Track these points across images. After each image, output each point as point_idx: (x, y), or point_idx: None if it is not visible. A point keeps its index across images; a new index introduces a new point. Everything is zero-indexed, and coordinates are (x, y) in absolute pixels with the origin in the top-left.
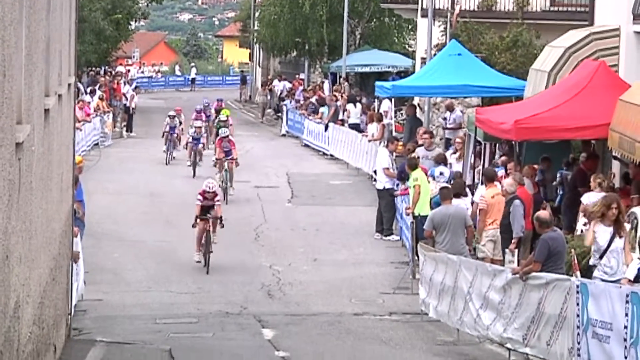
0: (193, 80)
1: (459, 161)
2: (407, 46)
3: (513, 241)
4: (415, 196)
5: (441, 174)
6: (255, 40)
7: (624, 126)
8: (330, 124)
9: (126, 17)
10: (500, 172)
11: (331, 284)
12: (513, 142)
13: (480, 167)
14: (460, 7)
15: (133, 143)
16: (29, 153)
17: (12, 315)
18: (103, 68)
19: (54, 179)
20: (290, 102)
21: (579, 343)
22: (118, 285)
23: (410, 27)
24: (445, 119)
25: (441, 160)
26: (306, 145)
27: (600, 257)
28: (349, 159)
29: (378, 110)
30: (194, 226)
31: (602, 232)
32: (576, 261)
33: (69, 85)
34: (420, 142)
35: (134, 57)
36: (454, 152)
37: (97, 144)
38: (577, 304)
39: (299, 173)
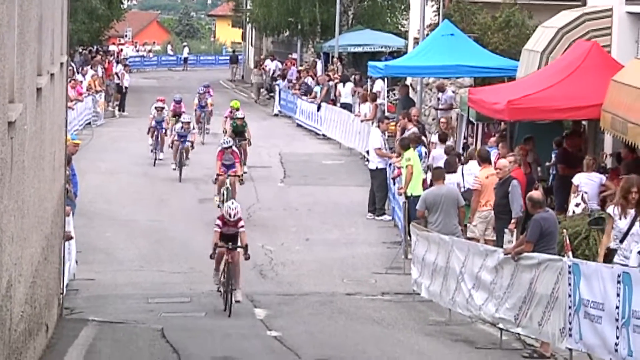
0: (185, 59)
1: (447, 142)
2: (399, 26)
3: (513, 221)
4: (407, 176)
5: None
6: (247, 19)
7: (616, 107)
8: (323, 104)
9: None
10: (493, 152)
11: (323, 263)
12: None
13: (473, 147)
14: None
15: (125, 122)
16: (22, 132)
17: (4, 295)
18: (96, 47)
19: (46, 158)
20: (283, 82)
21: (570, 323)
22: (110, 264)
23: (402, 7)
24: (438, 99)
25: (417, 141)
26: (299, 125)
27: (621, 241)
28: (341, 139)
29: (371, 90)
30: (211, 257)
31: (627, 217)
32: (568, 241)
33: (61, 64)
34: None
35: (126, 36)
36: (436, 133)
37: (89, 123)
38: (569, 284)
39: (291, 153)
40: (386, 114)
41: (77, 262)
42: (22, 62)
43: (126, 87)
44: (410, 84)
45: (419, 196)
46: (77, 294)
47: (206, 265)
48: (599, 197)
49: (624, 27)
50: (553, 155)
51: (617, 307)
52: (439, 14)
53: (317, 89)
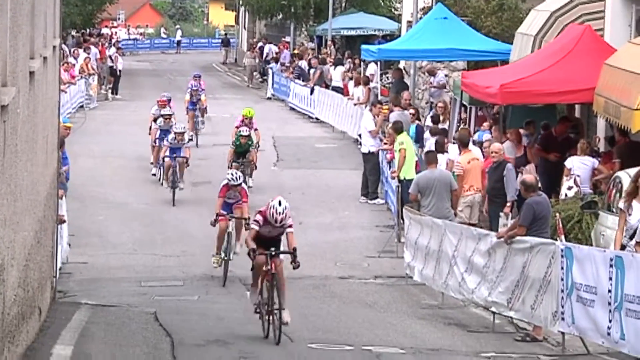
0: (179, 42)
1: (443, 123)
2: (393, 9)
3: (507, 204)
4: (400, 160)
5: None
6: (241, 2)
7: (609, 90)
8: (316, 87)
9: None
10: (486, 136)
11: (316, 247)
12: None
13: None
14: None
15: (118, 105)
16: (14, 115)
17: None
18: (88, 30)
19: (39, 142)
20: (276, 65)
21: (563, 307)
22: (103, 248)
23: None
24: (430, 83)
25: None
26: (292, 109)
27: (631, 238)
28: (334, 122)
29: (364, 73)
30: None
31: (637, 210)
32: (561, 225)
33: (54, 47)
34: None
35: (118, 19)
36: (434, 116)
37: (82, 106)
38: (562, 268)
39: (284, 136)
40: (379, 97)
41: (69, 245)
42: (14, 46)
43: (120, 70)
44: (404, 68)
45: (411, 180)
46: (70, 278)
47: (199, 248)
48: (592, 181)
49: (617, 10)
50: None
51: (610, 291)
52: None
53: (312, 71)
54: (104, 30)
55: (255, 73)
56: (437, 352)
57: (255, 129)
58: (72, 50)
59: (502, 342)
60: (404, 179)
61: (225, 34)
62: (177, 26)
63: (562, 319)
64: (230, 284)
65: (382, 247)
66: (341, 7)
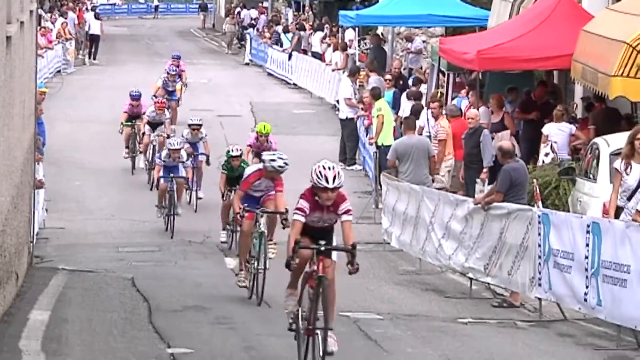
0: (156, 7)
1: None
2: None
3: (484, 170)
4: (378, 126)
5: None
6: None
7: (586, 57)
8: (294, 53)
9: None
10: (464, 102)
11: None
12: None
13: (445, 98)
14: None
15: (95, 70)
16: None
17: None
18: None
19: (16, 107)
20: (254, 30)
21: (540, 273)
22: (80, 213)
23: None
24: (408, 49)
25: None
26: (269, 75)
27: (629, 199)
28: (312, 88)
29: (342, 39)
30: (289, 267)
31: (636, 171)
32: (538, 191)
33: (31, 12)
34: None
35: None
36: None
37: (59, 71)
38: (539, 234)
39: (262, 102)
40: (358, 63)
41: (46, 210)
42: None
43: (97, 35)
44: (382, 34)
45: (389, 146)
46: (47, 243)
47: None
48: (569, 147)
49: None
50: None
51: (587, 257)
52: None
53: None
54: None
55: (234, 39)
56: (415, 318)
57: (273, 143)
58: (49, 15)
59: (479, 308)
60: (382, 145)
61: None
62: None
63: (539, 285)
64: (207, 249)
65: (360, 213)
66: None
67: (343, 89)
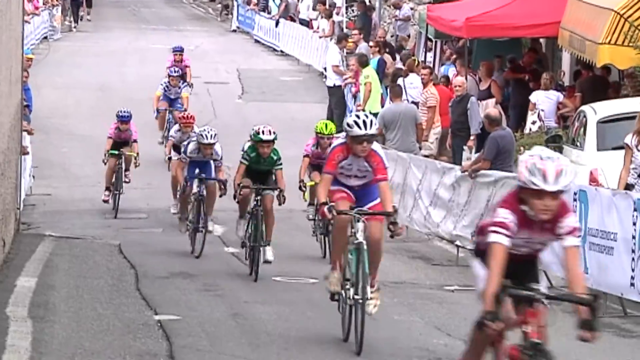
0: None
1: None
2: None
3: (471, 138)
4: (366, 93)
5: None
6: None
7: (574, 24)
8: (281, 20)
9: None
10: (451, 69)
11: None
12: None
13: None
14: None
15: (82, 37)
16: None
17: None
18: None
19: (3, 73)
20: None
21: None
22: (67, 180)
23: None
24: (396, 16)
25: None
26: (257, 41)
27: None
28: (299, 55)
29: (329, 5)
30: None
31: None
32: None
33: None
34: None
35: None
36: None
37: (46, 38)
38: None
39: (249, 69)
40: (345, 30)
41: (33, 177)
42: None
43: (84, 1)
44: (369, 1)
45: (377, 113)
46: (34, 209)
47: (164, 181)
48: (557, 115)
49: None
50: None
51: None
52: None
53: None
54: None
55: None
56: (401, 285)
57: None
58: None
59: (465, 275)
60: (369, 112)
61: None
62: None
63: None
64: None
65: None
66: None
67: (330, 56)
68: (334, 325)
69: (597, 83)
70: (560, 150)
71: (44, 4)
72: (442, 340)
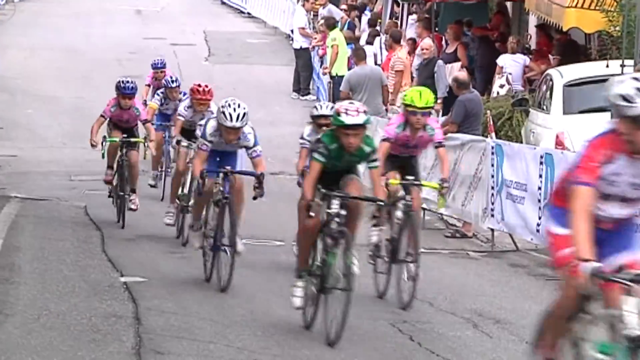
0: None
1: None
2: None
3: (438, 101)
4: (332, 56)
5: None
6: None
7: None
8: None
9: None
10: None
11: None
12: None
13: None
14: None
15: None
16: None
17: None
18: None
19: None
20: None
21: (493, 204)
22: (33, 141)
23: None
24: None
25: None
26: (223, 3)
27: None
28: (266, 17)
29: None
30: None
31: None
32: (491, 122)
33: None
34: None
35: None
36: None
37: None
38: (492, 165)
39: (215, 31)
40: None
41: None
42: None
43: None
44: None
45: (343, 76)
46: None
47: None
48: (523, 79)
49: None
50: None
51: (540, 188)
52: None
53: None
54: None
55: None
56: (367, 248)
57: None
58: None
59: (432, 238)
60: (336, 74)
61: None
62: None
63: (492, 215)
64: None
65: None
66: None
67: (297, 18)
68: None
69: (570, 47)
70: (526, 113)
71: None
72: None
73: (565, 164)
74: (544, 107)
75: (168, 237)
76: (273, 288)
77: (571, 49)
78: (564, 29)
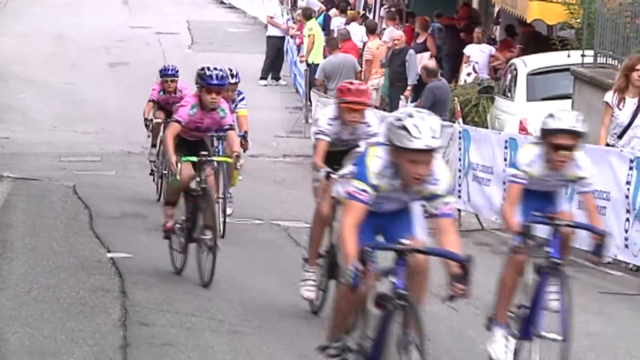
0: None
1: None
2: None
3: (408, 88)
4: (309, 45)
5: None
6: None
7: None
8: None
9: None
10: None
11: None
12: None
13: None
14: None
15: None
16: None
17: None
18: None
19: None
20: None
21: (460, 185)
22: (25, 124)
23: None
24: None
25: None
26: None
27: (620, 137)
28: (246, 7)
29: None
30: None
31: (629, 106)
32: (459, 108)
33: None
34: None
35: None
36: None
37: None
38: (459, 149)
39: (198, 20)
40: None
41: None
42: None
43: None
44: None
45: (319, 64)
46: None
47: (117, 126)
48: (489, 67)
49: None
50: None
51: (504, 171)
52: None
53: None
54: None
55: None
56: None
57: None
58: None
59: None
60: (312, 63)
61: None
62: None
63: (459, 196)
64: (145, 160)
65: (291, 127)
66: None
67: (269, 7)
68: (279, 262)
69: (536, 38)
70: (492, 100)
71: None
72: None
73: None
74: (509, 95)
75: (153, 215)
76: (254, 264)
77: (534, 39)
78: (528, 21)
